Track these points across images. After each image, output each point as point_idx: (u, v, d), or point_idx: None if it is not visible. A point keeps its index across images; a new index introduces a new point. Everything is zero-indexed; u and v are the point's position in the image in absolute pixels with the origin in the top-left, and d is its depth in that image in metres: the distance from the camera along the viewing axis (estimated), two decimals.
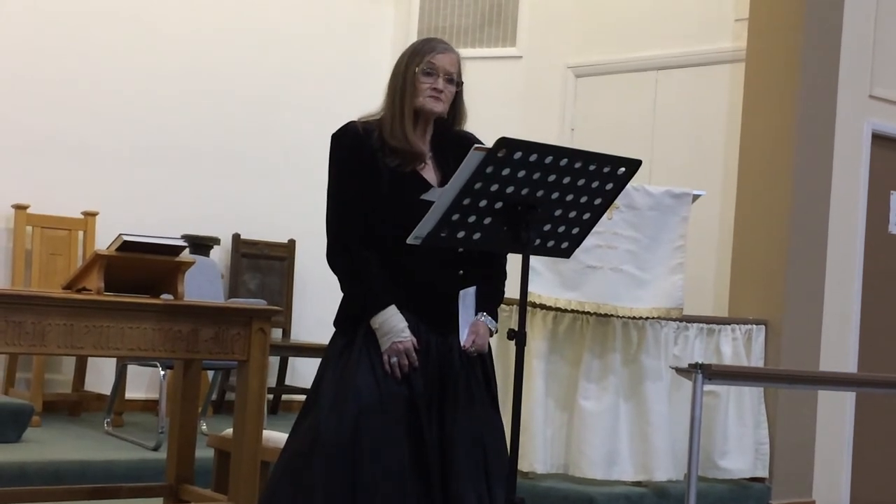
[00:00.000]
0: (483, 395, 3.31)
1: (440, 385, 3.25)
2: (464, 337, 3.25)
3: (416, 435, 3.18)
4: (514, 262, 3.20)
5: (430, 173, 3.30)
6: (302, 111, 7.74)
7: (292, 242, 7.69)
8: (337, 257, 3.28)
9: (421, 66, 3.26)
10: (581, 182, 3.05)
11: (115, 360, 6.32)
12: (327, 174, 3.31)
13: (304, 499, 3.15)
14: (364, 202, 3.23)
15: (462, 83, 3.34)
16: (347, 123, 3.32)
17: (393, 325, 3.20)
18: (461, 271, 3.30)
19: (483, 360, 3.35)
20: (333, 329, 3.35)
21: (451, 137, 3.35)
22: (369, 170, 3.24)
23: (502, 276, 3.41)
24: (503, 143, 2.90)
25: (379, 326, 3.20)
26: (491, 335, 3.34)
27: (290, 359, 7.65)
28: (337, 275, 3.30)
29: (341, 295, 3.36)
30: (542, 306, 5.45)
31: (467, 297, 3.29)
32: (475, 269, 3.33)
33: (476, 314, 3.29)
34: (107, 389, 6.52)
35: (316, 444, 3.16)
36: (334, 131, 3.32)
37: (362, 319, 3.24)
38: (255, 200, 7.58)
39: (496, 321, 3.35)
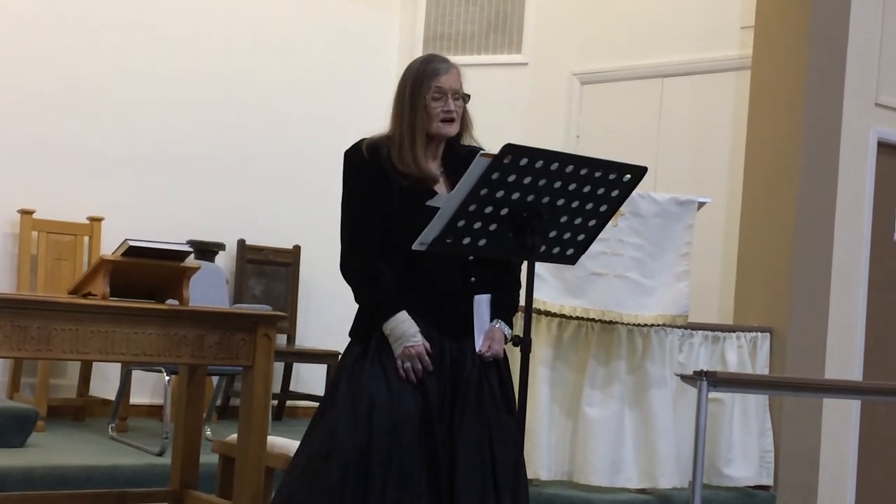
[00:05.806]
0: (497, 400, 3.34)
1: (453, 390, 3.28)
2: (479, 343, 3.32)
3: (429, 439, 3.21)
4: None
5: (441, 189, 3.33)
6: (307, 118, 7.74)
7: (297, 248, 7.68)
8: (350, 268, 3.35)
9: (430, 93, 3.30)
10: (586, 189, 3.05)
11: (119, 365, 6.32)
12: (341, 189, 3.38)
13: (320, 502, 3.17)
14: (377, 216, 3.29)
15: (469, 96, 3.37)
16: (358, 142, 3.38)
17: (404, 330, 3.24)
18: (473, 278, 3.32)
19: (499, 367, 3.39)
20: (349, 339, 3.39)
21: (461, 153, 3.37)
22: (381, 187, 3.29)
23: (517, 284, 3.44)
24: (509, 149, 2.90)
25: (391, 332, 3.25)
26: (506, 342, 3.39)
27: (295, 365, 7.64)
28: (350, 285, 3.37)
29: (347, 301, 3.39)
30: (547, 313, 5.45)
31: (482, 303, 3.34)
32: (488, 275, 3.34)
33: (492, 321, 3.35)
34: (111, 394, 6.52)
35: (334, 449, 3.19)
36: (346, 149, 3.38)
37: (376, 328, 3.28)
38: (261, 206, 7.58)
39: (511, 328, 3.40)
